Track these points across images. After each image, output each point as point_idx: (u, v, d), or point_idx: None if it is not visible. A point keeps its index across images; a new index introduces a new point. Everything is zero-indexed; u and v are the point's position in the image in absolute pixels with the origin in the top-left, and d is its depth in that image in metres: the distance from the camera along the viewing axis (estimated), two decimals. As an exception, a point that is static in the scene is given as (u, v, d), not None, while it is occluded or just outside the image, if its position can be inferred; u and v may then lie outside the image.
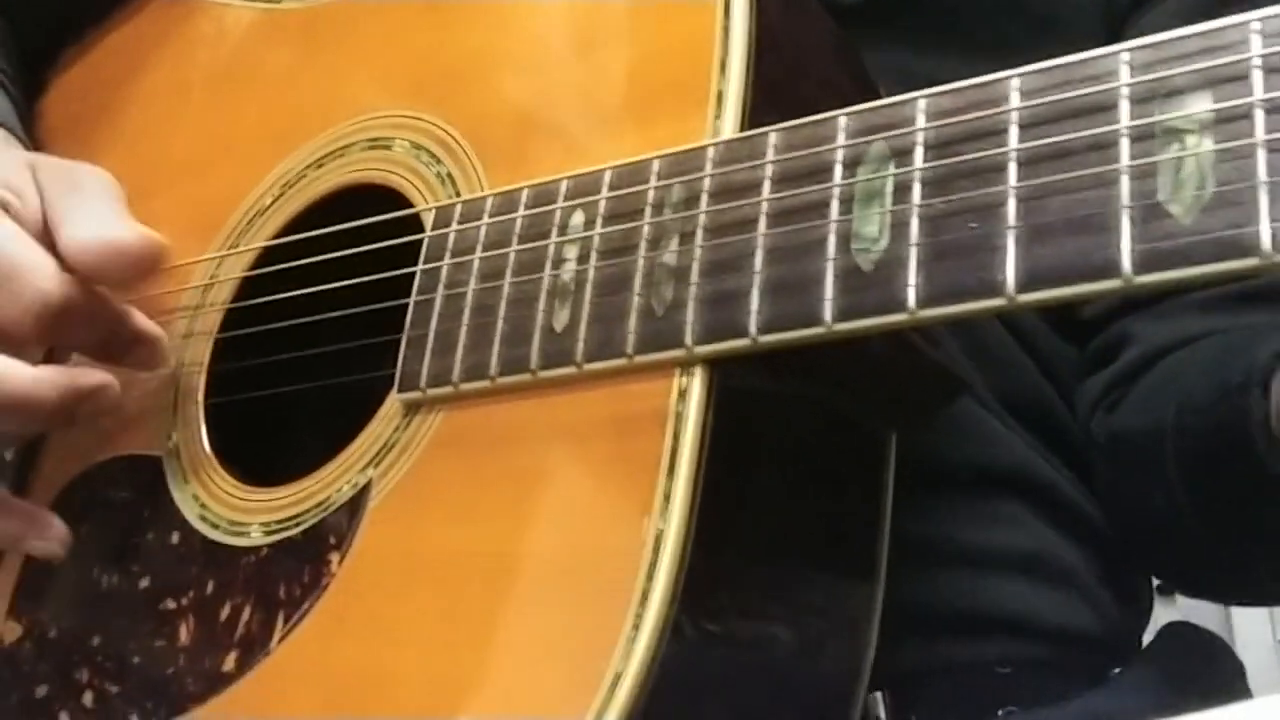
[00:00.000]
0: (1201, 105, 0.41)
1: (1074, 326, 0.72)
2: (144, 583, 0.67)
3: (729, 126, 0.54)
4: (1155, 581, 0.75)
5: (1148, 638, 0.73)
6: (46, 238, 0.64)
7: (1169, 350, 0.67)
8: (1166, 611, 0.75)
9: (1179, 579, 0.73)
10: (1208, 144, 0.41)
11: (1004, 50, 0.70)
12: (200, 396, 0.70)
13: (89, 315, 0.64)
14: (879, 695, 0.63)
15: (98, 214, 0.65)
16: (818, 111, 0.52)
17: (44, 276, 0.61)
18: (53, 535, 0.65)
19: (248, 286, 0.71)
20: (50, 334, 0.63)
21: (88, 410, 0.63)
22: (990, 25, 0.72)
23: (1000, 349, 0.70)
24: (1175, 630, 0.72)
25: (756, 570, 0.53)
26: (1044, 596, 0.68)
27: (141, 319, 0.67)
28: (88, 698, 0.66)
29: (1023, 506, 0.68)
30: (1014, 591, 0.68)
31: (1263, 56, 0.41)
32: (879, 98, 0.62)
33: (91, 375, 0.63)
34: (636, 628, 0.48)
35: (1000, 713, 0.66)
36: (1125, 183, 0.42)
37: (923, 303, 0.45)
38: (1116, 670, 0.69)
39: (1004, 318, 0.70)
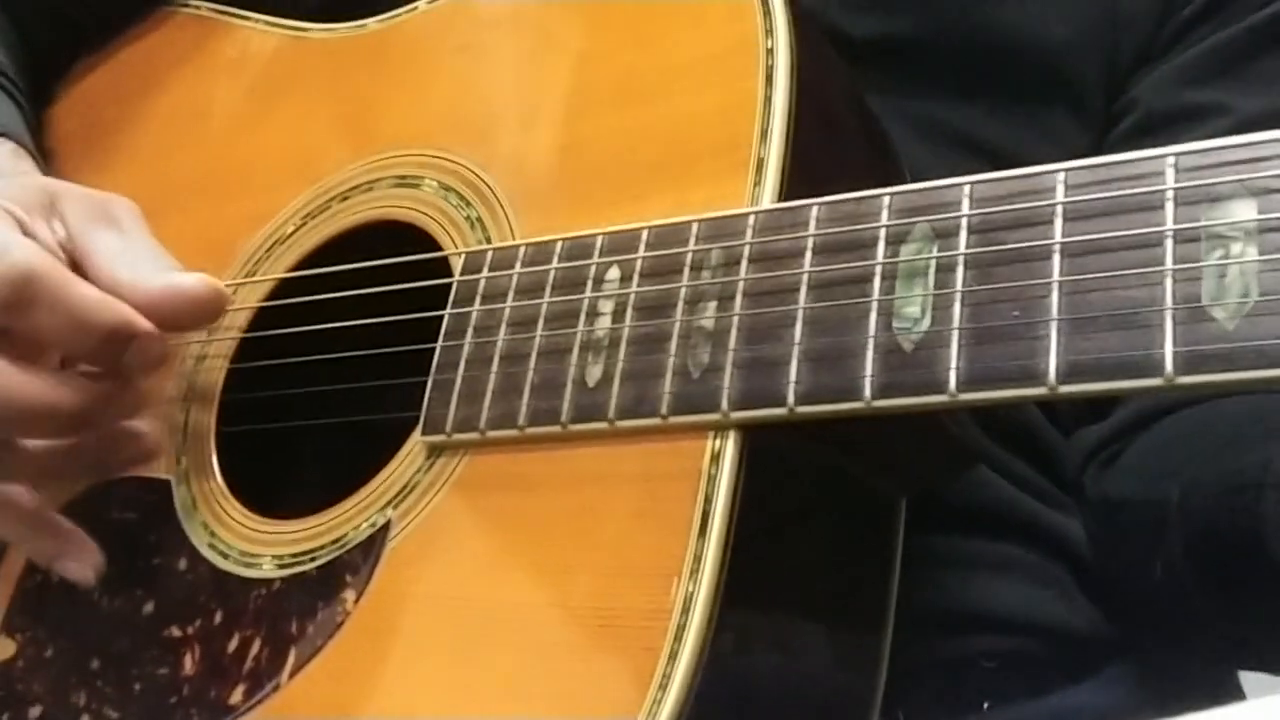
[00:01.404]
0: (1246, 213, 0.43)
1: None
2: (148, 608, 0.66)
3: (769, 194, 0.55)
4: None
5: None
6: (68, 265, 0.62)
7: (1168, 410, 0.68)
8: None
9: (1173, 643, 0.74)
10: (1252, 252, 0.42)
11: (1012, 104, 0.73)
12: (212, 422, 0.70)
13: (66, 297, 0.59)
14: None
15: (147, 253, 0.64)
16: (848, 179, 0.53)
17: (19, 247, 0.59)
18: (87, 559, 0.65)
19: (264, 315, 0.71)
20: (24, 310, 0.59)
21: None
22: (999, 77, 0.74)
23: None
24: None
25: (777, 630, 0.54)
26: (1029, 595, 0.69)
27: (130, 312, 0.62)
28: (84, 721, 0.65)
29: (1006, 533, 0.70)
30: (999, 590, 0.69)
31: (1308, 171, 0.42)
32: (899, 167, 0.65)
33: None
34: (664, 688, 0.48)
35: (985, 706, 0.67)
36: (1169, 283, 0.43)
37: (963, 386, 0.46)
38: (1103, 665, 0.70)
39: None
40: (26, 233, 0.62)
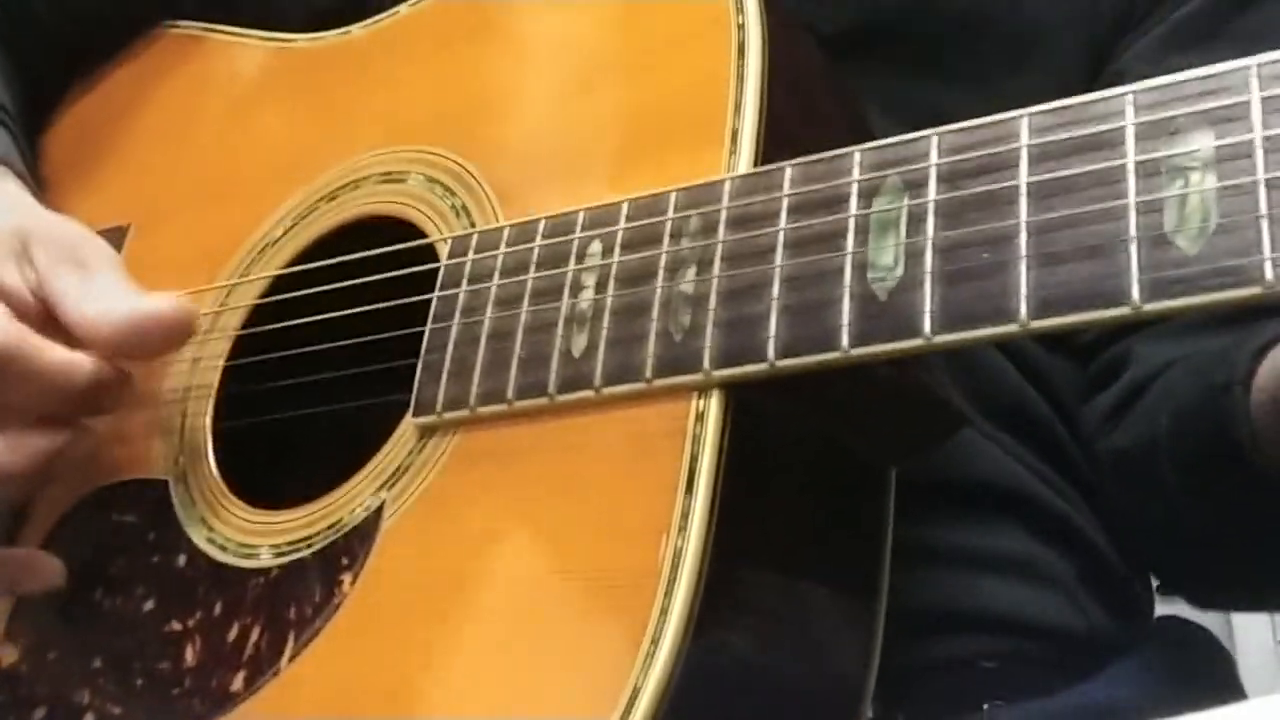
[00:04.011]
0: (1204, 143, 0.44)
1: (1067, 343, 0.74)
2: (149, 605, 0.67)
3: (744, 163, 0.56)
4: (1156, 582, 0.77)
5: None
6: (39, 309, 0.65)
7: (1167, 369, 0.69)
8: (1166, 610, 0.76)
9: (1185, 589, 0.74)
10: (1211, 180, 0.43)
11: (987, 78, 0.74)
12: (208, 421, 0.71)
13: (35, 366, 0.62)
14: None
15: (113, 287, 0.65)
16: (823, 147, 0.54)
17: None
18: (45, 576, 0.67)
19: (257, 315, 0.72)
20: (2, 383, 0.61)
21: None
22: (972, 54, 0.75)
23: (982, 356, 0.71)
24: (1165, 624, 0.73)
25: (767, 587, 0.55)
26: (1030, 596, 0.69)
27: (96, 366, 0.64)
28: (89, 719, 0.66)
29: (1006, 520, 0.70)
30: (1000, 590, 0.69)
31: (1262, 98, 0.43)
32: (870, 133, 0.65)
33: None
34: (655, 643, 0.49)
35: (986, 706, 0.67)
36: (1133, 216, 0.44)
37: (938, 329, 0.47)
38: (1103, 665, 0.70)
39: None
40: None
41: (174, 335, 0.66)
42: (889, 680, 0.60)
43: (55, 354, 0.62)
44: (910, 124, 0.72)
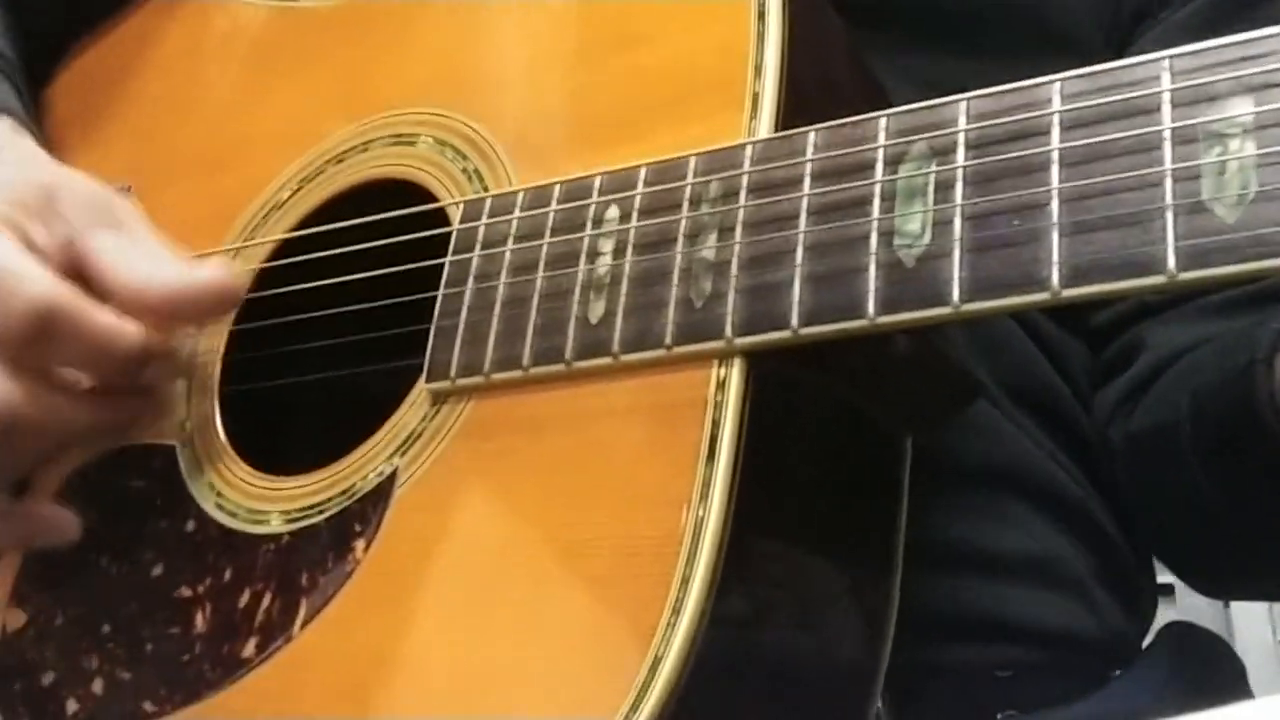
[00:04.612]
0: (1243, 109, 0.43)
1: (1082, 327, 0.74)
2: (157, 570, 0.66)
3: (764, 127, 0.55)
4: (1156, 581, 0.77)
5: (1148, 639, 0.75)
6: (69, 268, 0.62)
7: (1183, 354, 0.68)
8: (1166, 612, 0.77)
9: (1197, 575, 0.74)
10: (1250, 147, 0.43)
11: (1006, 57, 0.72)
12: (215, 385, 0.70)
13: (86, 327, 0.59)
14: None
15: (157, 251, 0.63)
16: (844, 113, 0.53)
17: (36, 280, 0.58)
18: (60, 529, 0.65)
19: (265, 278, 0.71)
20: (45, 344, 0.59)
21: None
22: (993, 33, 0.74)
23: (1008, 339, 0.71)
24: (1175, 631, 0.73)
25: (787, 557, 0.54)
26: (1047, 601, 0.69)
27: (146, 333, 0.62)
28: (98, 685, 0.65)
29: (1026, 507, 0.69)
30: (1017, 595, 0.69)
31: (1303, 65, 0.42)
32: (888, 100, 0.65)
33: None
34: (676, 612, 0.48)
35: (1000, 716, 0.67)
36: (1169, 183, 0.43)
37: (966, 296, 0.47)
38: (1117, 673, 0.70)
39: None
40: (28, 243, 0.61)
41: (222, 305, 0.64)
42: (900, 684, 0.60)
43: (105, 316, 0.60)
44: (926, 97, 0.72)
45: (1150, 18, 0.75)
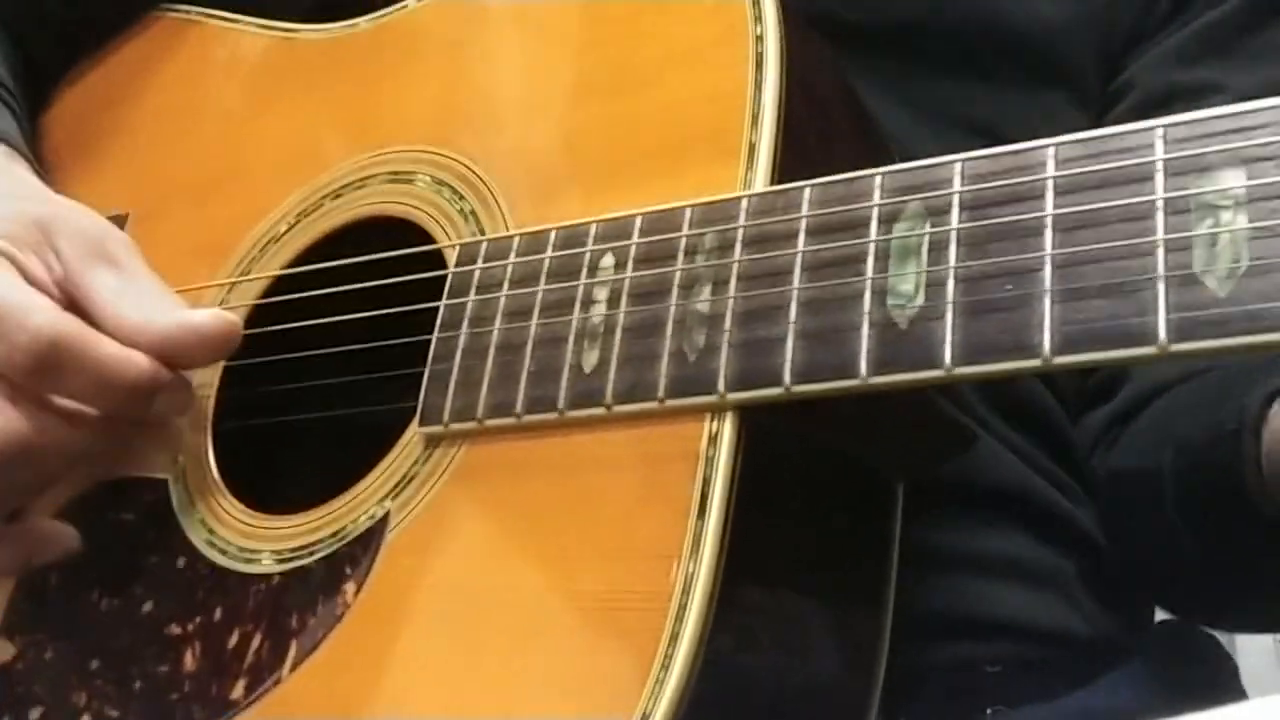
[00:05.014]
0: (1236, 181, 0.43)
1: None
2: (147, 607, 0.66)
3: (760, 178, 0.56)
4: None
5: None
6: (66, 305, 0.61)
7: (1166, 387, 0.68)
8: (1165, 612, 0.77)
9: (1184, 610, 0.74)
10: (1242, 220, 0.43)
11: (1001, 80, 0.73)
12: (209, 420, 0.70)
13: (91, 358, 0.59)
14: None
15: (153, 292, 0.63)
16: (840, 161, 0.54)
17: (41, 310, 0.59)
18: (61, 543, 0.65)
19: (261, 313, 0.71)
20: (50, 376, 0.59)
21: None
22: (990, 57, 0.74)
23: None
24: (1167, 628, 0.74)
25: (777, 610, 0.54)
26: (1033, 600, 0.69)
27: (154, 365, 0.61)
28: (85, 722, 0.65)
29: (1014, 520, 0.70)
30: (1003, 595, 0.69)
31: (1296, 139, 0.42)
32: (888, 150, 0.65)
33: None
34: (665, 668, 0.48)
35: (989, 711, 0.67)
36: (1161, 253, 0.44)
37: (958, 360, 0.47)
38: (1107, 669, 0.70)
39: None
40: (24, 275, 0.61)
41: (216, 352, 0.64)
42: (892, 684, 0.59)
43: (111, 347, 0.60)
44: (934, 127, 0.73)
45: (1143, 42, 0.75)
